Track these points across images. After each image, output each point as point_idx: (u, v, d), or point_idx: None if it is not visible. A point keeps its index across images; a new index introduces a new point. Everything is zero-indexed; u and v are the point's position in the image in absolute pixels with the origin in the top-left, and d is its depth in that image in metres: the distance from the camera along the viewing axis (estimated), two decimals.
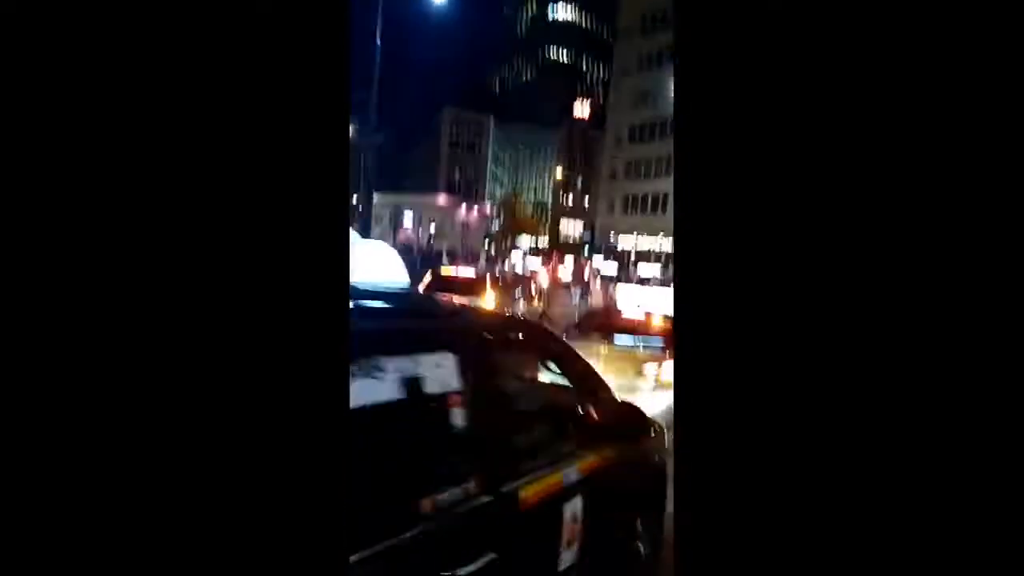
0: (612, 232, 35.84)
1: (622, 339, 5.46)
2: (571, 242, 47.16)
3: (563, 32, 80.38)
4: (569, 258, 25.90)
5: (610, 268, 17.32)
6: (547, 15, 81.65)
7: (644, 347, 5.27)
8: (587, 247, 37.51)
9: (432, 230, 38.92)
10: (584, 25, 79.01)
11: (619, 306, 6.50)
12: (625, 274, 16.32)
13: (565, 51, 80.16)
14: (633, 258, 30.54)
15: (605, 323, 6.04)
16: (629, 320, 5.91)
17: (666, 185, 29.13)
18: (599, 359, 4.09)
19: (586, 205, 54.01)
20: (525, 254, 26.91)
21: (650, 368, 4.70)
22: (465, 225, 42.44)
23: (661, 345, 5.24)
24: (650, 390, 4.37)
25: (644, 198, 33.93)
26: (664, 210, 30.53)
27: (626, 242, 34.17)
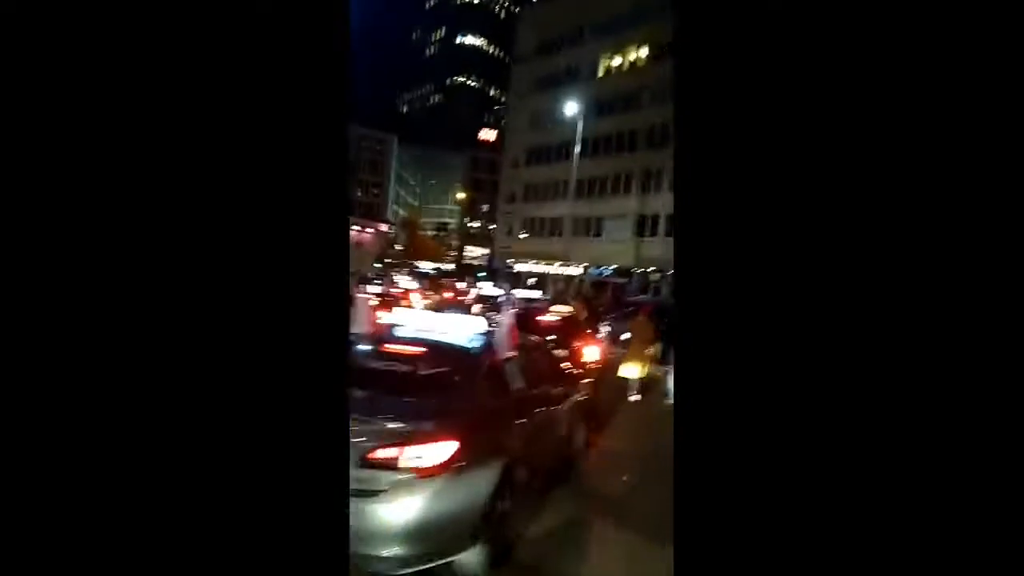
0: (510, 257, 35.02)
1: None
2: (475, 266, 46.10)
3: (470, 57, 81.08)
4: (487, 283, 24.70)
5: (494, 292, 16.20)
6: (455, 40, 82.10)
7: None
8: (483, 272, 36.58)
9: None
10: (492, 52, 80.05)
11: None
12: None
13: (473, 76, 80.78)
14: (530, 282, 29.60)
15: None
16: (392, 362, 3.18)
17: (563, 208, 28.80)
18: None
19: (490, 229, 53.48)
20: (416, 276, 25.49)
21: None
22: (357, 244, 39.97)
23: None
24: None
25: (542, 222, 33.48)
26: (560, 234, 30.10)
27: (524, 267, 33.44)
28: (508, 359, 3.55)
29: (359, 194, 56.73)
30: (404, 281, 19.12)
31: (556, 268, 29.32)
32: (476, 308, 13.72)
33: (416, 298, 14.39)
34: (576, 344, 7.04)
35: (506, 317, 3.90)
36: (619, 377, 7.09)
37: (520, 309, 9.27)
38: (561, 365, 4.75)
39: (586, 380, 5.38)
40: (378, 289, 13.35)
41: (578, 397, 4.47)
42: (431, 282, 21.67)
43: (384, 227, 47.40)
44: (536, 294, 14.96)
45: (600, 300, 14.88)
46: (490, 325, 3.73)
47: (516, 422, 3.22)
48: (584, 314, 9.11)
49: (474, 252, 53.32)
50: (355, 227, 43.00)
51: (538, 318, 7.56)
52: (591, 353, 7.05)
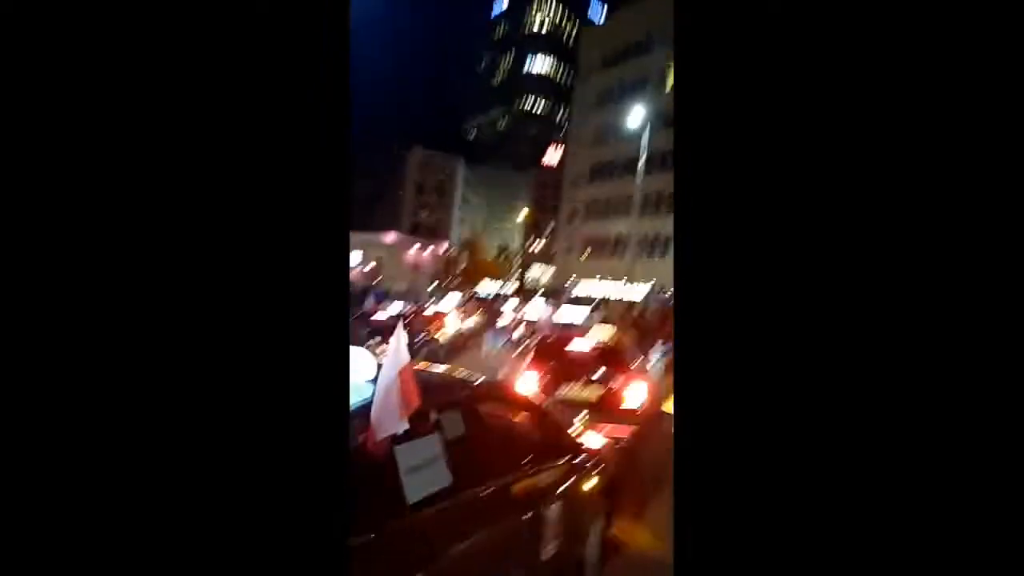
0: (573, 276, 33.14)
1: None
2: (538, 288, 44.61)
3: (538, 83, 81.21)
4: (538, 302, 23.28)
5: (546, 312, 14.57)
6: (523, 67, 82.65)
7: None
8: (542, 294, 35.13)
9: (365, 268, 35.94)
10: (559, 79, 79.83)
11: None
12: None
13: (540, 101, 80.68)
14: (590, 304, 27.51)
15: None
16: None
17: (627, 226, 26.74)
18: None
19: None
20: (470, 298, 24.47)
21: None
22: (414, 266, 39.72)
23: None
24: None
25: (604, 240, 31.47)
26: (624, 254, 27.95)
27: (588, 288, 31.42)
28: (407, 436, 1.48)
29: (424, 215, 57.41)
30: (446, 303, 17.86)
31: (619, 289, 27.12)
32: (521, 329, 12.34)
33: (452, 319, 13.08)
34: (613, 383, 5.21)
35: (396, 353, 1.48)
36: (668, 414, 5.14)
37: (549, 335, 7.59)
38: (563, 430, 2.89)
39: (619, 437, 3.58)
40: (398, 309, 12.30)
41: (593, 475, 2.69)
42: (476, 303, 20.32)
43: (442, 248, 47.08)
44: (581, 315, 13.03)
45: (652, 323, 12.68)
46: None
47: (423, 554, 1.51)
48: (630, 341, 7.15)
49: (537, 274, 51.86)
50: (414, 249, 42.96)
51: (569, 348, 5.79)
52: (635, 394, 5.17)
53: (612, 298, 27.75)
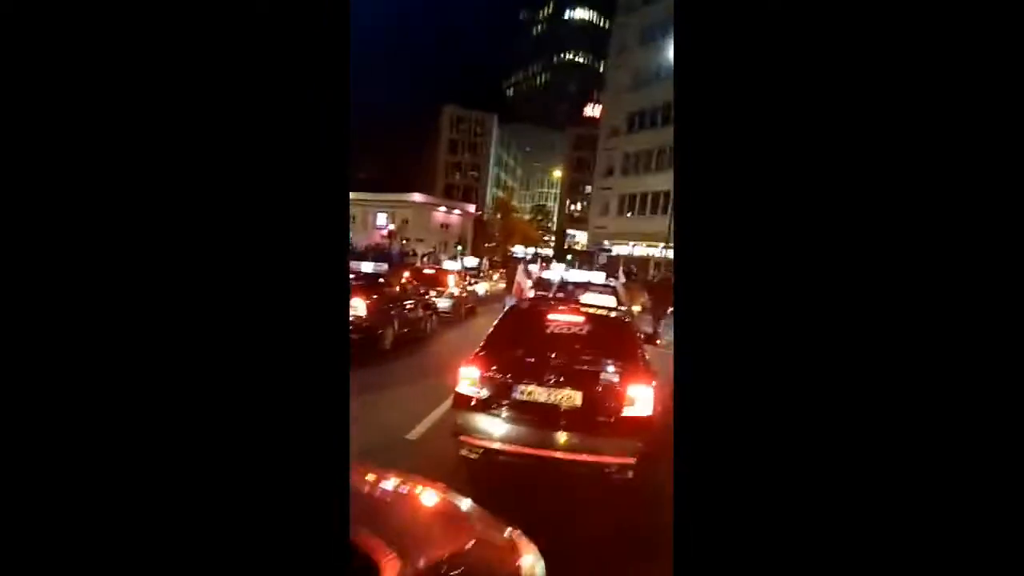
0: (605, 238, 30.58)
1: None
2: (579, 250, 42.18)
3: (579, 32, 76.25)
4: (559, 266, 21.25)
5: (573, 276, 12.79)
6: (563, 16, 77.66)
7: None
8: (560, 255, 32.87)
9: (392, 228, 34.52)
10: (601, 24, 74.52)
11: None
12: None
13: (580, 52, 75.91)
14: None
15: None
16: None
17: (668, 182, 23.96)
18: None
19: None
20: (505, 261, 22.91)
21: None
22: (444, 226, 38.13)
23: None
24: None
25: (643, 198, 28.61)
26: (665, 211, 25.22)
27: (624, 250, 28.87)
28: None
29: (457, 177, 55.34)
30: (454, 263, 16.17)
31: (660, 251, 24.54)
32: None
33: (452, 281, 11.33)
34: (600, 383, 3.20)
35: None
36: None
37: (523, 302, 5.60)
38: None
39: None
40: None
41: None
42: (498, 265, 18.54)
43: (472, 209, 45.02)
44: (597, 278, 10.83)
45: (667, 287, 10.16)
46: None
47: None
48: (638, 306, 5.02)
49: (577, 236, 49.24)
50: (442, 209, 41.20)
51: (551, 316, 3.82)
52: (637, 401, 3.15)
53: (654, 257, 25.17)
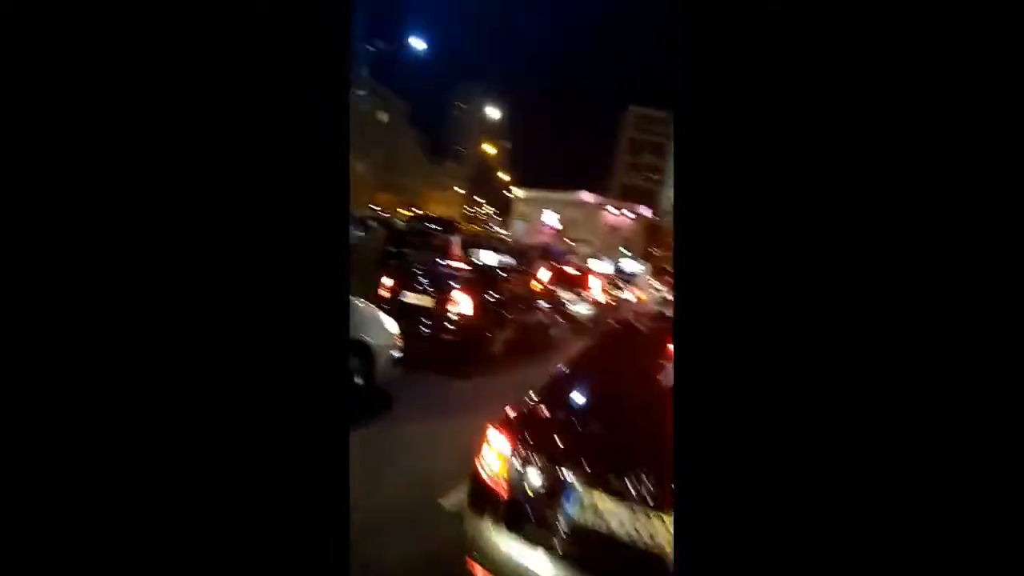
0: None
1: None
2: None
3: None
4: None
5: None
6: None
7: None
8: None
9: (557, 226, 33.51)
10: None
11: None
12: None
13: None
14: None
15: None
16: None
17: None
18: None
19: None
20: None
21: None
22: (612, 228, 36.16)
23: None
24: None
25: None
26: None
27: None
28: None
29: (637, 179, 52.69)
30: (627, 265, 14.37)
31: None
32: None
33: (597, 285, 9.79)
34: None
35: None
36: None
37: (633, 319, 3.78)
38: None
39: None
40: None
41: None
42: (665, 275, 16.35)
43: (648, 212, 42.04)
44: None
45: None
46: None
47: None
48: None
49: None
50: (612, 210, 39.22)
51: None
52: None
53: None
